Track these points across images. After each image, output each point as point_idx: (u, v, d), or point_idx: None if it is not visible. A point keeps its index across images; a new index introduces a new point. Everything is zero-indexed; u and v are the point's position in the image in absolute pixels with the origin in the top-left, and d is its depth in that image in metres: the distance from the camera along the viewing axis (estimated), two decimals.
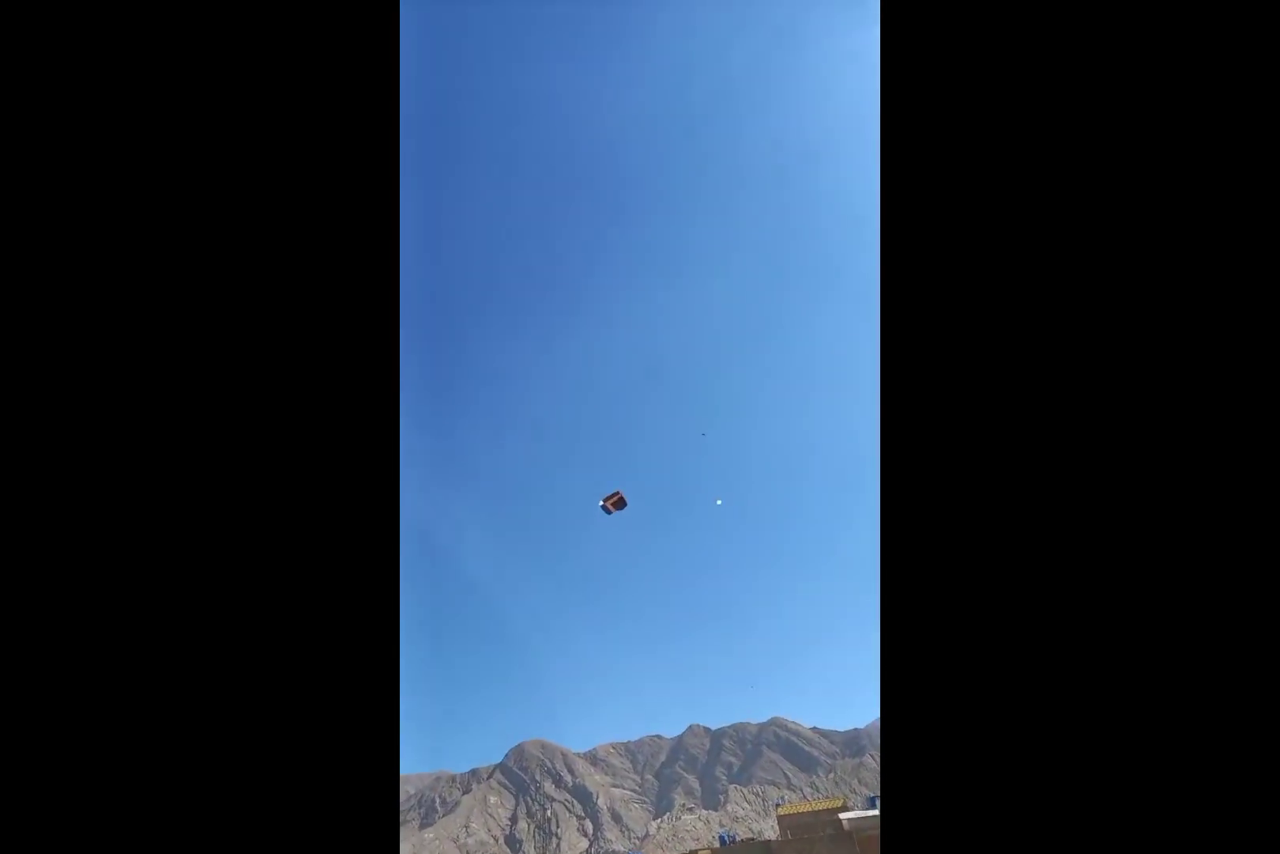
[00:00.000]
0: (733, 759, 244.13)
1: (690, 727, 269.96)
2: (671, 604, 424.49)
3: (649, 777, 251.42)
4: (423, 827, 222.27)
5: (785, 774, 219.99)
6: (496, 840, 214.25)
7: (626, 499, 14.14)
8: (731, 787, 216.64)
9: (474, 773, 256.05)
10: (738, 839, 67.59)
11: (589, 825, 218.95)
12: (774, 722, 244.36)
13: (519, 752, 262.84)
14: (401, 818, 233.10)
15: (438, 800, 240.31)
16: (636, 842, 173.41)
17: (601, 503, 14.21)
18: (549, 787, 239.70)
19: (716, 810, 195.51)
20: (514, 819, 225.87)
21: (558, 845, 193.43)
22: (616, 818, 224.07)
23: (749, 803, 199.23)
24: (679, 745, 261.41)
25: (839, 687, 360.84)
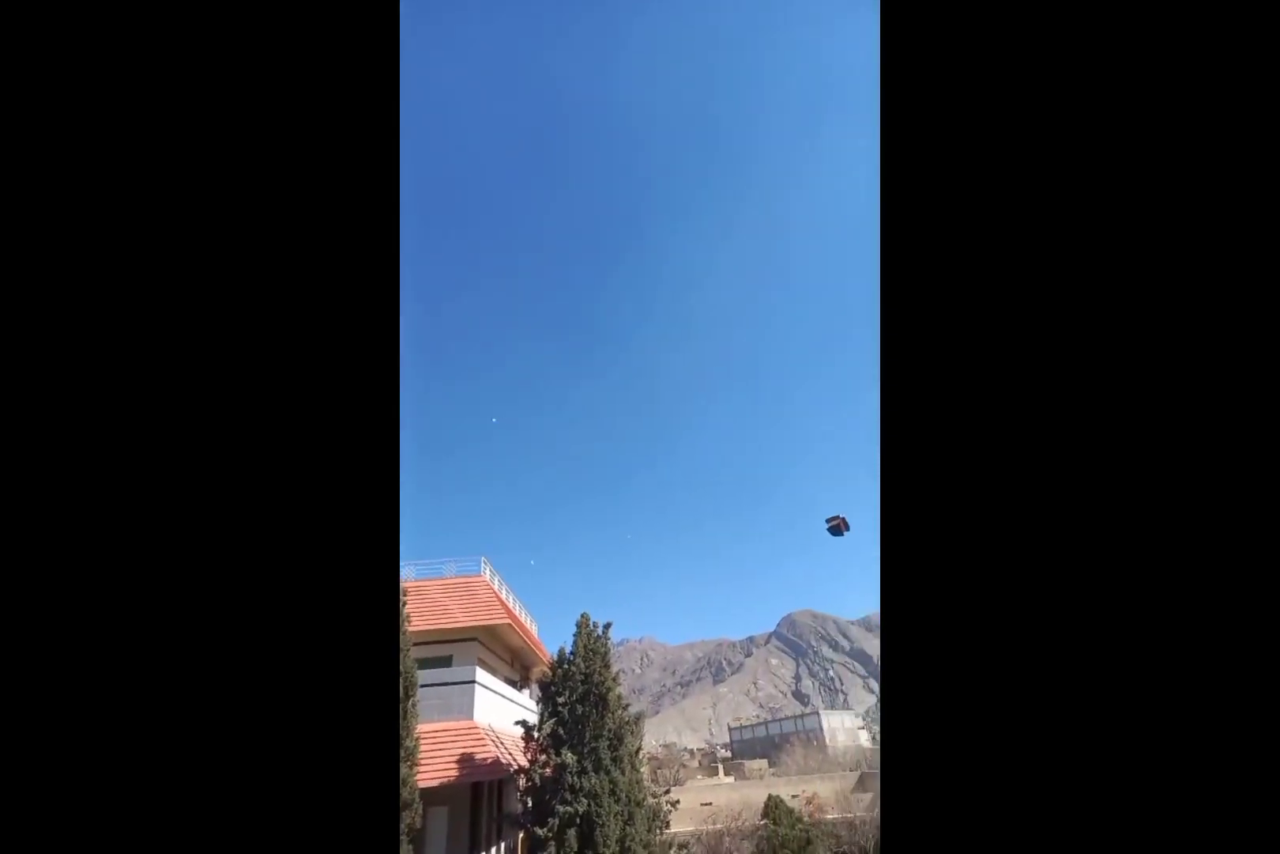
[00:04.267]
0: None
1: None
2: None
3: None
4: (715, 683, 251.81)
5: None
6: (784, 695, 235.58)
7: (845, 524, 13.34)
8: None
9: (750, 640, 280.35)
10: None
11: (873, 683, 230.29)
12: None
13: (789, 621, 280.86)
14: (695, 676, 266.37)
15: (724, 662, 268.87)
16: None
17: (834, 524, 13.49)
18: (826, 650, 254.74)
19: None
20: (797, 678, 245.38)
21: (845, 700, 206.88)
22: None
23: None
24: None
25: None
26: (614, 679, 13.83)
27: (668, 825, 13.96)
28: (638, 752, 13.81)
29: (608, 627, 14.66)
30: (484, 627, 17.37)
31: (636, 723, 13.99)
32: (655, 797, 13.95)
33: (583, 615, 14.66)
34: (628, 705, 14.22)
